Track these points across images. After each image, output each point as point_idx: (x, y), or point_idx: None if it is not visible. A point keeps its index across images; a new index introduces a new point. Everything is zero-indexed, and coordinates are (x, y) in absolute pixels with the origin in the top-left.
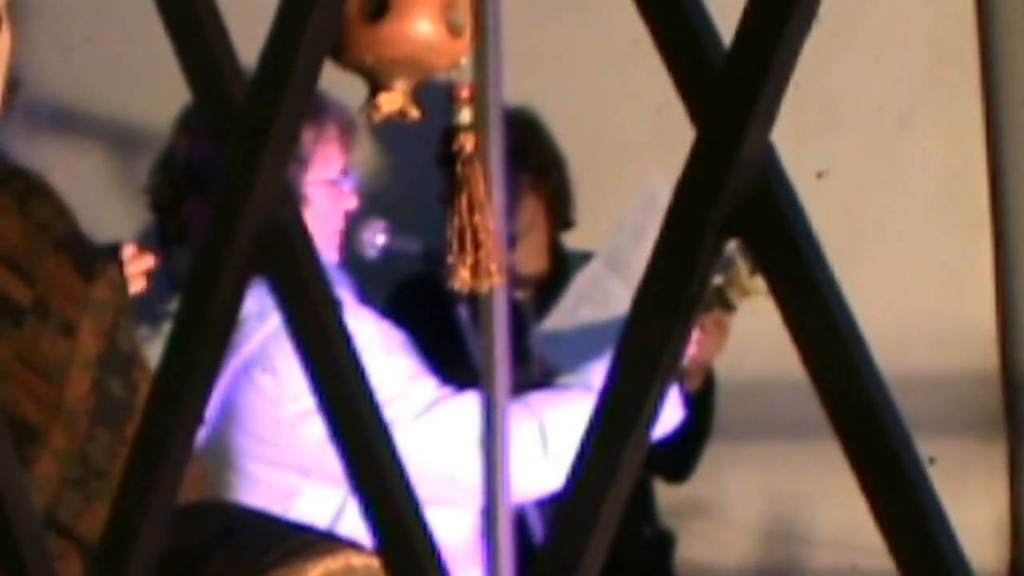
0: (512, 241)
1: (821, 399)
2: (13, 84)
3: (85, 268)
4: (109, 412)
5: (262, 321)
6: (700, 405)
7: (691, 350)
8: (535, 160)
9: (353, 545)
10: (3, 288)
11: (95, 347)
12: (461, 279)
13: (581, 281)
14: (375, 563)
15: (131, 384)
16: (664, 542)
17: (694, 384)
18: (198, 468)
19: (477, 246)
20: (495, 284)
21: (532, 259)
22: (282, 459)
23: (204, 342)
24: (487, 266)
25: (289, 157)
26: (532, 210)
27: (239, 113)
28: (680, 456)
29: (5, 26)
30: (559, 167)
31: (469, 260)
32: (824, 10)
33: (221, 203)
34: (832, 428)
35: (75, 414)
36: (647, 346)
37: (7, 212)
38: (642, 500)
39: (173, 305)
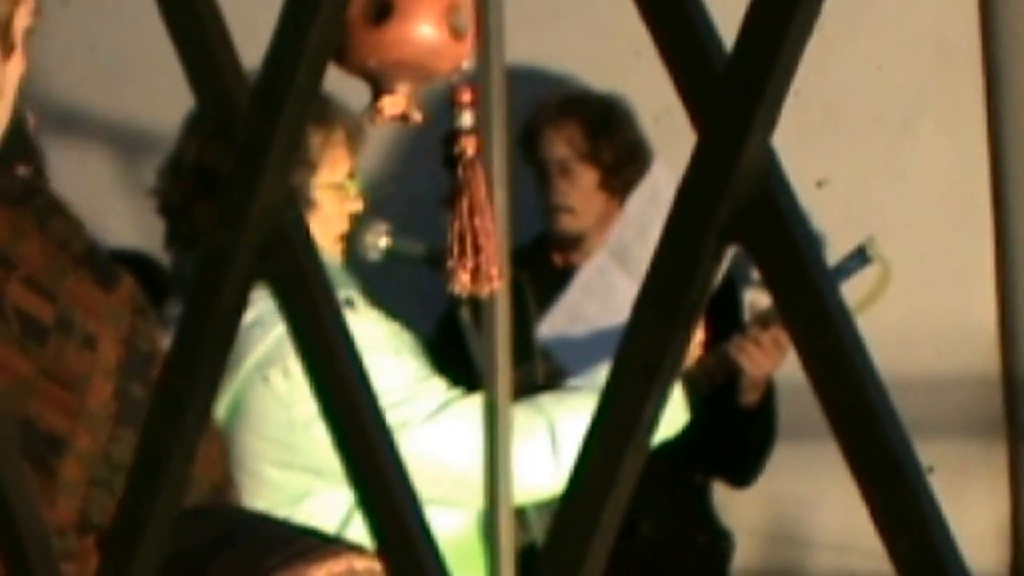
0: (577, 241)
1: (821, 403)
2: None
3: (104, 280)
4: (131, 414)
5: (276, 321)
6: (762, 415)
7: (749, 368)
8: (605, 157)
9: (356, 549)
10: (26, 308)
11: (115, 355)
12: (461, 283)
13: (586, 274)
14: (378, 567)
15: (151, 383)
16: (720, 548)
17: (753, 398)
18: (216, 446)
19: (477, 250)
20: (495, 288)
21: None
22: (293, 460)
23: (207, 347)
24: (487, 270)
25: (293, 162)
26: (602, 208)
27: (242, 118)
28: (744, 462)
29: (20, 51)
30: (636, 161)
31: (470, 264)
32: (825, 15)
33: (224, 209)
34: (832, 432)
35: (98, 419)
36: (647, 351)
37: (28, 232)
38: (698, 507)
39: (176, 310)
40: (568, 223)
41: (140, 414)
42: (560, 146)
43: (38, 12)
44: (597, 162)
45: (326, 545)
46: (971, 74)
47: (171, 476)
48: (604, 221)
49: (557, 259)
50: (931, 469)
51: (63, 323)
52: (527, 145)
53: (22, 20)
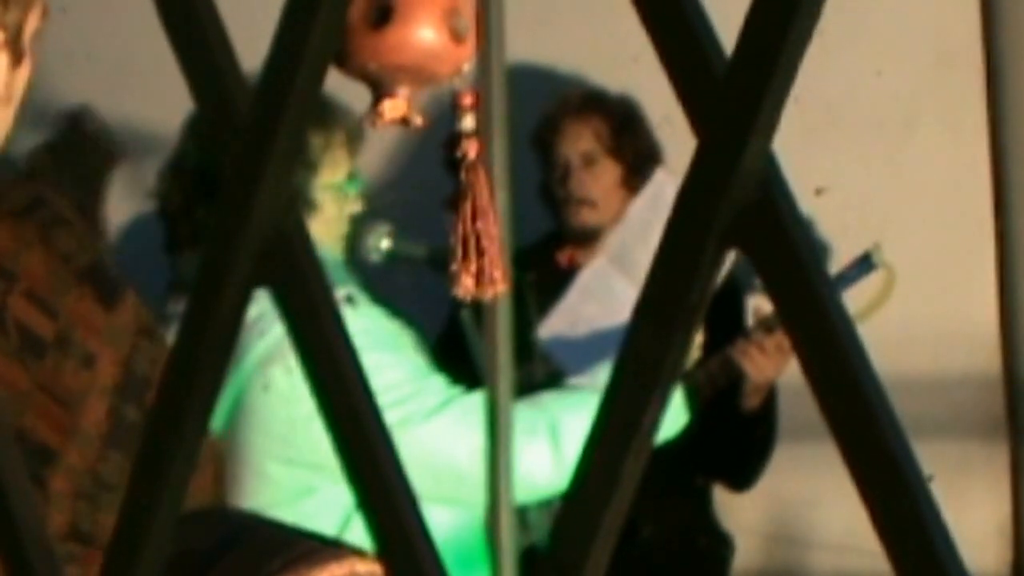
0: (593, 236)
1: (820, 406)
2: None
3: (106, 297)
4: (123, 436)
5: (277, 318)
6: (763, 420)
7: (752, 372)
8: (628, 153)
9: (358, 552)
10: (27, 322)
11: (112, 375)
12: (464, 286)
13: (586, 277)
14: (379, 570)
15: (146, 407)
16: (720, 551)
17: (754, 402)
18: (210, 474)
19: (480, 253)
20: (499, 291)
21: None
22: (294, 456)
23: (208, 352)
24: (490, 273)
25: (293, 166)
26: (620, 206)
27: (243, 122)
28: (743, 467)
29: (28, 58)
30: (654, 161)
31: (472, 267)
32: (825, 19)
33: (224, 213)
34: (831, 434)
35: (89, 438)
36: (647, 355)
37: (31, 244)
38: (698, 510)
39: (176, 308)
40: (588, 217)
41: (131, 437)
42: (586, 139)
43: (46, 14)
44: (621, 157)
45: (328, 548)
46: (972, 77)
47: (172, 480)
48: (620, 219)
49: (562, 259)
50: (931, 477)
51: (63, 340)
52: (544, 139)
53: (31, 25)
